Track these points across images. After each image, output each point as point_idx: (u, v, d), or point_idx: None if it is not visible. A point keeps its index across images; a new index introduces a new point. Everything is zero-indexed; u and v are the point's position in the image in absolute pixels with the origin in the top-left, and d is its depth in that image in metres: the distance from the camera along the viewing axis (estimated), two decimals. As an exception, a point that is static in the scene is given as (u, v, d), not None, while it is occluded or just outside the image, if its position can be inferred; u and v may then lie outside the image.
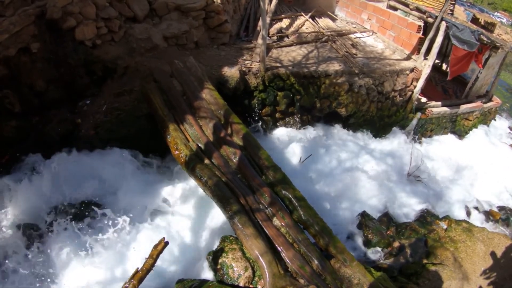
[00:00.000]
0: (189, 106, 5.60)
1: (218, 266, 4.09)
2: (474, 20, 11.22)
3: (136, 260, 4.22)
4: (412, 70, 8.45)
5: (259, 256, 3.84)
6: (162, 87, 5.83)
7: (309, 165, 6.76)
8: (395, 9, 9.64)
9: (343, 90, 7.65)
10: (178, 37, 7.07)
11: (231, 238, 4.37)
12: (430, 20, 8.32)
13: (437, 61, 10.43)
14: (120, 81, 6.17)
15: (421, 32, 8.68)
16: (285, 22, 9.65)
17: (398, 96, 8.50)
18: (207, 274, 4.32)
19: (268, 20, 8.61)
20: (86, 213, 4.76)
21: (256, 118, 7.26)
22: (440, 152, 8.82)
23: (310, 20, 9.98)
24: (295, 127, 7.71)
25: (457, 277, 4.93)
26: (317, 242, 4.30)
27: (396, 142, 8.44)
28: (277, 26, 9.27)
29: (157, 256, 3.71)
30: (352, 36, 9.64)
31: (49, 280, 4.13)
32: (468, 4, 19.30)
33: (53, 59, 5.77)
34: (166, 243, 3.81)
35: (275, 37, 8.75)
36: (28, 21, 5.31)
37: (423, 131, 9.17)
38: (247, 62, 7.25)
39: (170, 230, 4.74)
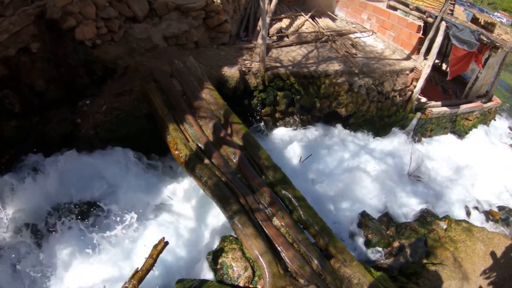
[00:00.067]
0: (189, 106, 5.60)
1: (218, 266, 4.09)
2: (474, 20, 11.22)
3: (134, 261, 4.24)
4: (412, 70, 8.45)
5: (259, 256, 3.84)
6: (162, 87, 5.83)
7: (309, 165, 6.76)
8: (395, 9, 9.64)
9: (343, 90, 7.65)
10: (178, 37, 7.07)
11: (231, 238, 4.37)
12: (430, 20, 8.32)
13: (437, 61, 10.43)
14: (120, 81, 6.17)
15: (421, 32, 8.68)
16: (285, 22, 9.65)
17: (398, 96, 8.50)
18: (207, 274, 4.32)
19: (268, 20, 8.61)
20: (90, 212, 4.80)
21: (256, 118, 7.26)
22: (440, 152, 8.83)
23: (310, 20, 9.98)
24: (295, 127, 7.71)
25: (457, 277, 4.93)
26: (317, 242, 4.31)
27: (396, 142, 8.44)
28: (277, 26, 9.27)
29: (157, 256, 3.71)
30: (352, 36, 9.64)
31: (55, 278, 4.16)
32: (468, 4, 19.31)
33: (53, 59, 5.77)
34: (166, 243, 3.81)
35: (275, 37, 8.75)
36: (28, 21, 5.31)
37: (423, 131, 9.17)
38: (247, 62, 7.25)
39: (170, 230, 4.73)
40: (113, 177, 5.29)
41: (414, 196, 7.01)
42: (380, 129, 8.74)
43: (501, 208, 7.58)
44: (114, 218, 4.72)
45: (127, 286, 3.51)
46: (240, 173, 4.77)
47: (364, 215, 6.01)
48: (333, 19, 10.75)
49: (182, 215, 5.12)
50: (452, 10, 9.41)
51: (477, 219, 7.05)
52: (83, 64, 6.06)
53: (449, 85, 10.50)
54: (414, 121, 8.80)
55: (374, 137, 8.56)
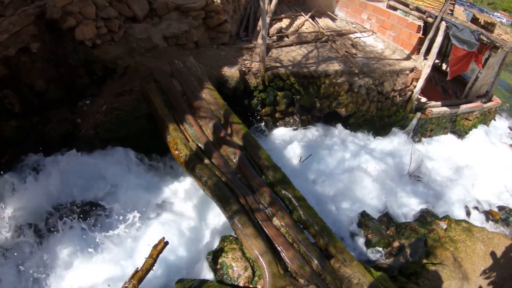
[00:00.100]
0: (189, 106, 5.60)
1: (218, 266, 4.09)
2: (474, 20, 11.22)
3: (136, 260, 4.24)
4: (412, 70, 8.45)
5: (259, 256, 3.84)
6: (162, 87, 5.83)
7: (309, 165, 6.76)
8: (395, 9, 9.64)
9: (343, 90, 7.65)
10: (178, 37, 7.07)
11: (231, 238, 4.37)
12: (430, 20, 8.32)
13: (437, 61, 10.42)
14: (120, 81, 6.17)
15: (421, 32, 8.68)
16: (285, 22, 9.65)
17: (398, 96, 8.50)
18: (207, 274, 4.32)
19: (268, 20, 8.61)
20: (91, 211, 4.81)
21: (256, 118, 7.26)
22: (440, 152, 8.83)
23: (310, 20, 9.98)
24: (295, 127, 7.71)
25: (457, 277, 4.93)
26: (317, 242, 4.31)
27: (396, 142, 8.44)
28: (277, 26, 9.27)
29: (157, 256, 3.71)
30: (352, 36, 9.64)
31: (57, 277, 4.16)
32: (468, 4, 19.30)
33: (53, 59, 5.77)
34: (166, 243, 3.81)
35: (275, 37, 8.75)
36: (28, 21, 5.31)
37: (423, 131, 9.17)
38: (247, 62, 7.25)
39: (170, 230, 4.73)
40: (114, 177, 5.30)
41: (414, 196, 7.01)
42: (380, 129, 8.74)
43: (501, 208, 7.59)
44: (115, 217, 4.73)
45: (127, 286, 3.51)
46: (240, 173, 4.77)
47: (364, 215, 6.01)
48: (333, 19, 10.75)
49: (182, 215, 5.12)
50: (452, 10, 9.41)
51: (477, 219, 7.05)
52: (83, 64, 6.06)
53: (449, 85, 10.50)
54: (414, 121, 8.81)
55: (374, 137, 8.56)
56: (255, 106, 7.13)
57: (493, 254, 5.25)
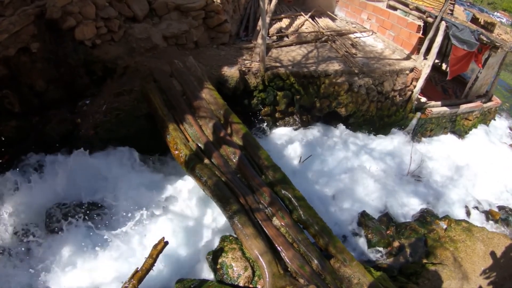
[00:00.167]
0: (189, 106, 5.60)
1: (218, 266, 4.09)
2: (474, 20, 11.22)
3: (137, 260, 4.24)
4: (411, 70, 8.45)
5: (259, 256, 3.84)
6: (161, 87, 5.83)
7: (309, 165, 6.76)
8: (395, 9, 9.64)
9: (342, 90, 7.65)
10: (177, 37, 7.07)
11: (230, 238, 4.37)
12: (430, 20, 8.32)
13: (436, 61, 10.43)
14: (120, 81, 6.17)
15: (421, 32, 8.68)
16: (284, 22, 9.65)
17: (397, 96, 8.50)
18: (207, 274, 4.32)
19: (268, 20, 8.61)
20: (93, 211, 4.83)
21: (256, 118, 7.26)
22: (440, 152, 8.83)
23: (310, 20, 9.98)
24: (295, 127, 7.72)
25: (457, 277, 4.93)
26: (316, 242, 4.31)
27: (396, 142, 8.44)
28: (277, 26, 9.27)
29: (157, 256, 3.71)
30: (351, 36, 9.64)
31: (62, 275, 4.19)
32: (468, 4, 19.30)
33: (53, 59, 5.77)
34: (166, 243, 3.81)
35: (275, 37, 8.75)
36: (28, 21, 5.31)
37: (423, 131, 9.17)
38: (246, 62, 7.25)
39: (170, 230, 4.73)
40: (116, 176, 5.31)
41: (414, 196, 7.01)
42: (380, 129, 8.74)
43: (501, 208, 7.58)
44: (117, 217, 4.77)
45: (127, 286, 3.51)
46: (240, 173, 4.77)
47: (364, 215, 6.01)
48: (333, 19, 10.75)
49: (182, 215, 5.11)
50: (452, 10, 9.40)
51: (477, 219, 7.05)
52: (83, 64, 6.06)
53: (449, 85, 10.51)
54: (414, 121, 8.81)
55: (374, 137, 8.56)
56: (255, 106, 7.13)
57: (493, 254, 5.25)
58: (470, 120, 9.77)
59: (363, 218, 5.94)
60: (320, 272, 3.91)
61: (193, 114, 5.47)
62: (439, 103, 9.04)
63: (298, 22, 9.75)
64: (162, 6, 7.11)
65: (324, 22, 10.21)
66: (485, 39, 7.83)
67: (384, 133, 8.76)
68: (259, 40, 7.60)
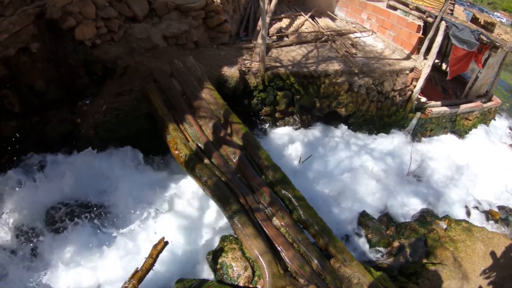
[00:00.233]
0: (189, 106, 5.60)
1: (218, 266, 4.09)
2: (474, 20, 11.22)
3: (133, 263, 4.26)
4: (411, 69, 8.45)
5: (259, 256, 3.84)
6: (161, 87, 5.82)
7: (309, 165, 6.76)
8: (395, 8, 9.64)
9: (342, 89, 7.65)
10: (177, 37, 7.07)
11: (230, 237, 4.37)
12: (430, 19, 8.32)
13: (436, 60, 10.43)
14: (119, 81, 6.17)
15: (421, 31, 8.68)
16: (284, 22, 9.65)
17: (397, 95, 8.50)
18: (207, 274, 4.32)
19: (267, 19, 8.61)
20: (95, 210, 4.87)
21: (256, 118, 7.26)
22: (440, 152, 8.82)
23: (310, 20, 9.98)
24: (295, 127, 7.71)
25: (457, 277, 4.93)
26: (316, 242, 4.31)
27: (396, 142, 8.44)
28: (276, 26, 9.27)
29: (157, 255, 3.71)
30: (351, 35, 9.64)
31: (63, 276, 4.20)
32: (468, 3, 19.30)
33: (53, 59, 5.77)
34: (166, 243, 3.81)
35: (274, 37, 8.75)
36: (28, 21, 5.31)
37: (423, 131, 9.17)
38: (246, 61, 7.25)
39: (169, 230, 4.73)
40: (119, 176, 5.34)
41: (414, 196, 7.01)
42: (380, 129, 8.74)
43: (501, 208, 7.58)
44: (119, 216, 4.82)
45: (127, 286, 3.51)
46: (240, 173, 4.77)
47: (364, 215, 6.01)
48: (333, 19, 10.75)
49: (182, 214, 5.11)
50: (452, 10, 9.41)
51: (477, 219, 7.05)
52: (83, 64, 6.06)
53: (449, 85, 10.50)
54: (414, 121, 8.80)
55: (374, 137, 8.56)
56: (255, 106, 7.13)
57: (493, 254, 5.25)
58: (470, 120, 9.77)
59: (363, 218, 5.94)
60: (320, 272, 3.91)
61: (193, 114, 5.47)
62: (439, 103, 9.04)
63: (298, 22, 9.75)
64: (162, 6, 7.11)
65: (324, 22, 10.21)
66: (485, 39, 7.83)
67: (384, 133, 8.75)
68: (259, 40, 7.60)
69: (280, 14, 10.05)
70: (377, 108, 8.38)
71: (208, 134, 5.22)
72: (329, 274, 3.90)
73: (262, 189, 4.50)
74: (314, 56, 8.09)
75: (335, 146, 7.65)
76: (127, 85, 6.04)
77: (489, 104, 10.04)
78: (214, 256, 4.20)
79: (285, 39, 8.80)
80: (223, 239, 4.39)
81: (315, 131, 7.85)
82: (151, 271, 3.67)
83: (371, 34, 10.06)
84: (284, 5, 10.97)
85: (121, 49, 6.43)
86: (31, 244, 4.45)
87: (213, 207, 5.01)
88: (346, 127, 8.24)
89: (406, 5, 9.26)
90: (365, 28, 10.34)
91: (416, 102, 8.65)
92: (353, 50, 8.59)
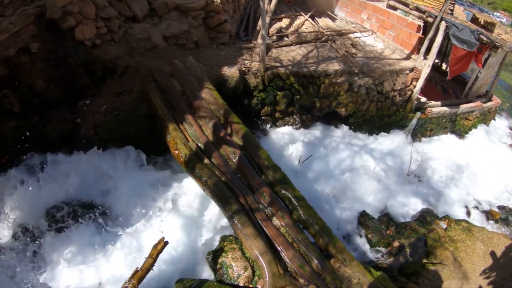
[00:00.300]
0: (189, 106, 5.60)
1: (218, 266, 4.09)
2: (474, 20, 11.22)
3: (138, 261, 4.26)
4: (411, 69, 8.45)
5: (259, 256, 3.84)
6: (161, 87, 5.82)
7: (309, 165, 6.76)
8: (395, 8, 9.64)
9: (342, 89, 7.65)
10: (177, 37, 7.07)
11: (230, 237, 4.37)
12: (430, 19, 8.32)
13: (436, 60, 10.42)
14: (119, 81, 6.17)
15: (421, 31, 8.67)
16: (284, 22, 9.65)
17: (397, 95, 8.50)
18: (207, 274, 4.32)
19: (267, 19, 8.61)
20: (96, 210, 4.91)
21: (256, 118, 7.26)
22: (440, 152, 8.82)
23: (310, 19, 9.98)
24: (294, 127, 7.71)
25: (457, 277, 4.93)
26: (316, 242, 4.31)
27: (396, 142, 8.44)
28: (276, 25, 9.27)
29: (157, 255, 3.71)
30: (351, 35, 9.64)
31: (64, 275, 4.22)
32: (468, 3, 19.30)
33: (53, 59, 5.76)
34: (166, 243, 3.81)
35: (274, 37, 8.75)
36: (28, 21, 5.31)
37: (423, 131, 9.17)
38: (246, 61, 7.25)
39: (170, 229, 4.73)
40: (121, 175, 5.38)
41: (414, 196, 7.00)
42: (380, 129, 8.74)
43: (501, 208, 7.58)
44: (121, 216, 4.86)
45: (127, 286, 3.51)
46: (240, 173, 4.77)
47: (364, 215, 6.02)
48: (333, 19, 10.75)
49: (182, 214, 5.12)
50: (452, 10, 9.41)
51: (477, 219, 7.05)
52: (83, 64, 6.06)
53: (449, 84, 10.50)
54: (414, 121, 8.80)
55: (374, 137, 8.56)
56: (255, 106, 7.13)
57: (493, 254, 5.25)
58: (470, 120, 9.77)
59: (363, 218, 5.94)
60: (320, 272, 3.91)
61: (193, 114, 5.47)
62: (439, 103, 9.04)
63: (298, 22, 9.75)
64: (162, 6, 7.11)
65: (324, 22, 10.21)
66: (485, 39, 7.83)
67: (384, 133, 8.75)
68: (259, 40, 7.60)
69: (280, 14, 10.05)
70: (377, 108, 8.38)
71: (208, 134, 5.22)
72: (329, 274, 3.90)
73: (262, 189, 4.50)
74: (314, 56, 8.08)
75: (335, 146, 7.65)
76: (127, 85, 6.04)
77: (489, 104, 10.04)
78: (214, 256, 4.20)
79: (285, 39, 8.80)
80: (223, 239, 4.39)
81: (315, 131, 7.85)
82: (151, 271, 3.67)
83: (371, 34, 10.06)
84: (284, 5, 10.97)
85: (121, 49, 6.43)
86: (34, 243, 4.47)
87: (213, 207, 5.01)
88: (346, 127, 8.24)
89: (406, 5, 9.26)
90: (365, 28, 10.33)
91: (416, 102, 8.65)
92: (353, 50, 8.59)
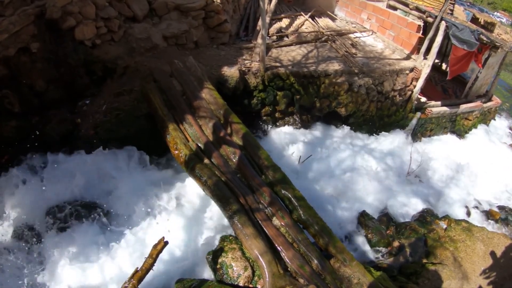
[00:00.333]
0: (189, 106, 5.60)
1: (218, 266, 4.09)
2: (474, 20, 11.23)
3: (141, 260, 4.28)
4: (411, 69, 8.45)
5: (259, 256, 3.84)
6: (161, 87, 5.83)
7: (309, 165, 6.76)
8: (395, 8, 9.64)
9: (342, 89, 7.65)
10: (177, 37, 7.07)
11: (230, 237, 4.37)
12: (430, 19, 8.32)
13: (436, 60, 10.42)
14: (119, 81, 6.17)
15: (421, 31, 8.67)
16: (284, 22, 9.65)
17: (397, 95, 8.50)
18: (207, 274, 4.32)
19: (267, 19, 8.61)
20: (97, 210, 4.91)
21: (256, 118, 7.25)
22: (440, 152, 8.82)
23: (310, 19, 9.98)
24: (294, 127, 7.71)
25: (457, 277, 4.93)
26: (316, 242, 4.31)
27: (396, 142, 8.44)
28: (276, 25, 9.27)
29: (157, 255, 3.71)
30: (351, 35, 9.64)
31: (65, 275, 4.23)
32: (468, 3, 19.31)
33: (53, 59, 5.77)
34: (166, 243, 3.81)
35: (274, 37, 8.75)
36: (28, 21, 5.31)
37: (423, 131, 9.17)
38: (246, 61, 7.25)
39: (169, 230, 4.73)
40: (124, 175, 5.40)
41: (414, 196, 7.00)
42: (380, 129, 8.74)
43: (501, 208, 7.58)
44: (123, 215, 4.89)
45: (127, 286, 3.51)
46: (240, 173, 4.77)
47: (364, 215, 6.01)
48: (333, 19, 10.75)
49: (182, 214, 5.12)
50: (452, 10, 9.41)
51: (477, 219, 7.05)
52: (83, 64, 6.06)
53: (449, 84, 10.50)
54: (414, 121, 8.80)
55: (374, 137, 8.56)
56: (255, 106, 7.13)
57: (493, 254, 5.25)
58: (470, 120, 9.77)
59: (363, 218, 5.94)
60: (320, 272, 3.91)
61: (193, 114, 5.47)
62: (439, 103, 9.04)
63: (298, 22, 9.75)
64: (162, 6, 7.11)
65: (324, 22, 10.21)
66: (485, 39, 7.83)
67: (384, 133, 8.75)
68: (259, 40, 7.60)
69: (280, 14, 10.05)
70: (377, 108, 8.38)
71: (208, 134, 5.22)
72: (329, 274, 3.90)
73: (262, 189, 4.50)
74: (314, 56, 8.08)
75: (335, 146, 7.65)
76: (127, 85, 6.04)
77: (489, 104, 10.04)
78: (214, 256, 4.20)
79: (285, 39, 8.80)
80: (223, 239, 4.39)
81: (315, 131, 7.85)
82: (151, 271, 3.67)
83: (371, 34, 10.06)
84: (284, 5, 10.97)
85: (121, 49, 6.43)
86: (37, 242, 4.48)
87: (213, 207, 5.01)
88: (346, 127, 8.24)
89: (406, 5, 9.26)
90: (365, 28, 10.33)
91: (416, 102, 8.65)
92: (353, 50, 8.59)
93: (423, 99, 8.93)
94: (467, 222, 5.93)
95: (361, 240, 5.71)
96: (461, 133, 9.77)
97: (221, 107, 5.58)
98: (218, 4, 7.38)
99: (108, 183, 5.30)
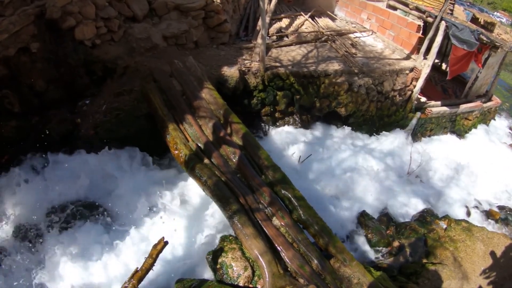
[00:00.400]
0: (189, 105, 5.60)
1: (218, 266, 4.09)
2: (474, 20, 11.23)
3: (129, 263, 4.30)
4: (411, 69, 8.45)
5: (259, 256, 3.84)
6: (161, 87, 5.83)
7: (309, 165, 6.76)
8: (395, 8, 9.64)
9: (342, 89, 7.65)
10: (177, 37, 7.07)
11: (230, 237, 4.37)
12: (430, 19, 8.32)
13: (436, 60, 10.42)
14: (119, 81, 6.17)
15: (421, 31, 8.67)
16: (284, 22, 9.65)
17: (397, 95, 8.50)
18: (207, 274, 4.32)
19: (267, 19, 8.61)
20: (97, 210, 4.94)
21: (256, 118, 7.25)
22: (440, 152, 8.82)
23: (310, 19, 9.98)
24: (294, 127, 7.71)
25: (457, 277, 4.93)
26: (316, 242, 4.30)
27: (396, 141, 8.44)
28: (276, 25, 9.27)
29: (157, 255, 3.71)
30: (351, 35, 9.64)
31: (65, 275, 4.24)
32: (468, 3, 19.31)
33: (53, 59, 5.77)
34: (166, 243, 3.81)
35: (274, 37, 8.75)
36: (28, 21, 5.31)
37: (423, 131, 9.17)
38: (246, 61, 7.25)
39: (169, 230, 4.73)
40: (126, 175, 5.41)
41: (414, 196, 7.00)
42: (380, 129, 8.74)
43: (501, 208, 7.58)
44: (126, 214, 4.90)
45: (127, 286, 3.51)
46: (239, 173, 4.77)
47: (364, 215, 6.01)
48: (333, 19, 10.75)
49: (182, 214, 5.12)
50: (452, 10, 9.41)
51: (477, 219, 7.05)
52: (83, 64, 6.06)
53: (448, 84, 10.50)
54: (414, 121, 8.80)
55: (374, 137, 8.56)
56: (255, 106, 7.13)
57: (493, 253, 5.25)
58: (470, 120, 9.77)
59: (363, 218, 5.94)
60: (320, 272, 3.91)
61: (193, 114, 5.47)
62: (439, 103, 9.04)
63: (298, 22, 9.75)
64: (162, 6, 7.11)
65: (324, 22, 10.21)
66: (485, 39, 7.83)
67: (384, 133, 8.75)
68: (259, 40, 7.60)
69: (280, 14, 10.06)
70: (377, 108, 8.38)
71: (208, 134, 5.22)
72: (329, 274, 3.90)
73: (262, 189, 4.50)
74: (314, 56, 8.08)
75: (335, 146, 7.65)
76: (127, 85, 6.04)
77: (489, 104, 10.04)
78: (214, 256, 4.20)
79: (285, 39, 8.80)
80: (223, 239, 4.39)
81: (315, 131, 7.85)
82: (151, 271, 3.67)
83: (371, 34, 10.06)
84: (284, 5, 10.97)
85: (121, 49, 6.43)
86: (38, 241, 4.49)
87: (213, 207, 5.01)
88: (346, 127, 8.24)
89: (406, 5, 9.26)
90: (365, 28, 10.33)
91: (416, 102, 8.65)
92: (353, 50, 8.59)
93: (423, 99, 8.93)
94: (467, 222, 5.93)
95: (361, 240, 5.71)
96: (461, 133, 9.78)
97: (221, 107, 5.58)
98: (218, 4, 7.38)
99: (110, 183, 5.31)
